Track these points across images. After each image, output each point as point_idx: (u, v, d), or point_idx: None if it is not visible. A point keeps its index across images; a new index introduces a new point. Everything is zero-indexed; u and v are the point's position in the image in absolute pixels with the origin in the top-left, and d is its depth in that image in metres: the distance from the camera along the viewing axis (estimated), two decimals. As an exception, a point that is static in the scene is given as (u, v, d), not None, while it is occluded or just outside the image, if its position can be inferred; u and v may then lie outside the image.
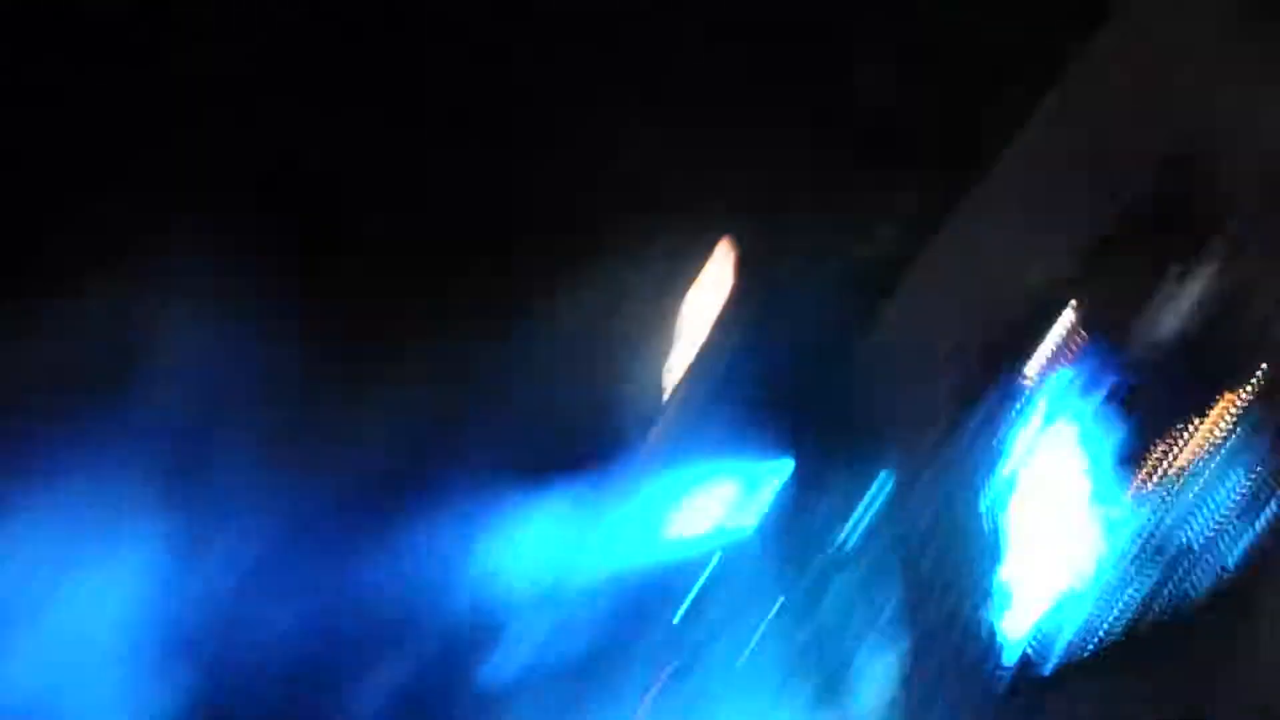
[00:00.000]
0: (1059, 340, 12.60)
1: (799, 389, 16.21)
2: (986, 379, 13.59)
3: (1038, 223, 12.89)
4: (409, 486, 17.29)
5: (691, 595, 19.75)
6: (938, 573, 14.79)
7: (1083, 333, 11.88)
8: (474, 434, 17.04)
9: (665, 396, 19.28)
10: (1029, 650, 13.01)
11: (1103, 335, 11.17)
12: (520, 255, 16.58)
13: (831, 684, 16.44)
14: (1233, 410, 10.16)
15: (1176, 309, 10.56)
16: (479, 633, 18.89)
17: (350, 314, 15.63)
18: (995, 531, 13.67)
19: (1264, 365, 9.92)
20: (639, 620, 18.79)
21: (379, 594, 17.33)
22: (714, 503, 19.81)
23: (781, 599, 17.65)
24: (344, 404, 15.69)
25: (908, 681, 15.46)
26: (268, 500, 15.41)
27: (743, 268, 17.21)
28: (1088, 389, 11.94)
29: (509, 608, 17.87)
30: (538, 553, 18.12)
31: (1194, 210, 10.71)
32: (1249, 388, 10.02)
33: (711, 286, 18.57)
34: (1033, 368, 13.10)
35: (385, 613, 17.28)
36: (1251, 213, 10.00)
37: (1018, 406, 13.32)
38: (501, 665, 19.59)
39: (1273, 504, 9.82)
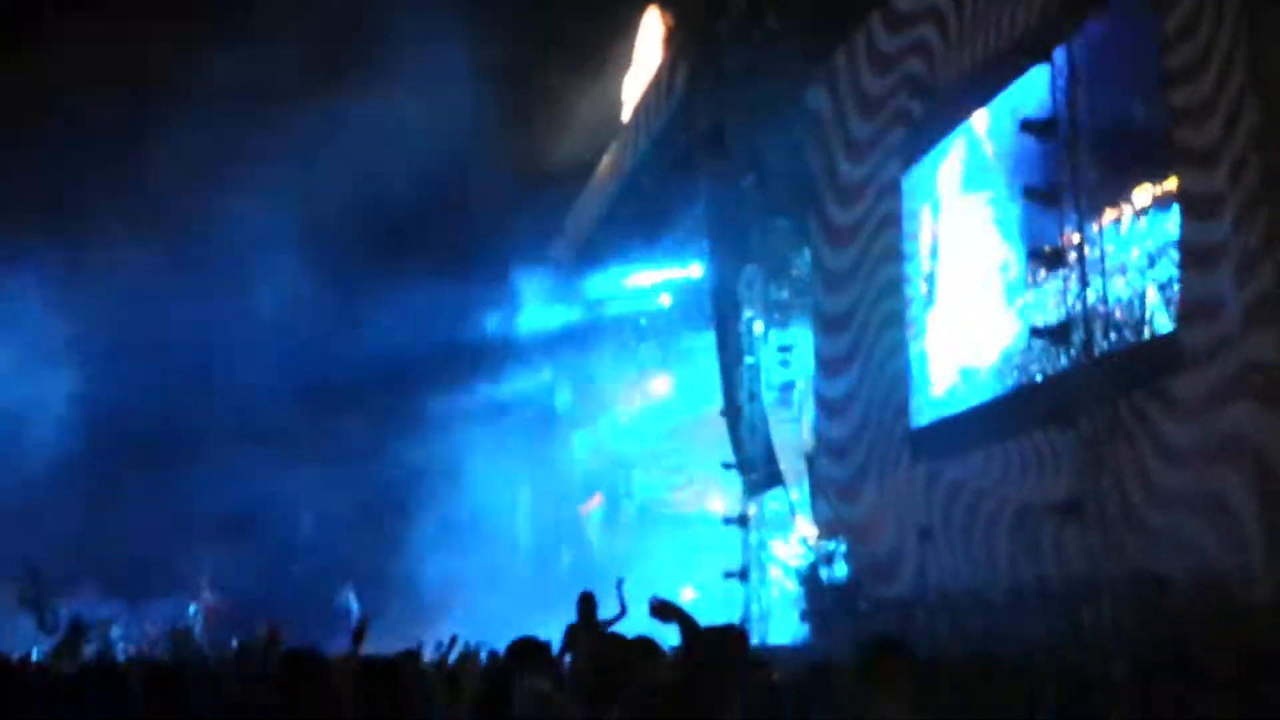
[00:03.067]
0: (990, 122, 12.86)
1: (735, 162, 16.38)
2: (923, 144, 13.85)
3: None
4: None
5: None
6: (855, 331, 15.39)
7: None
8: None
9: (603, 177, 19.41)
10: (933, 407, 13.79)
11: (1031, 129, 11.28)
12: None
13: (752, 429, 17.18)
14: (1138, 201, 10.56)
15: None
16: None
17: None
18: (909, 293, 14.24)
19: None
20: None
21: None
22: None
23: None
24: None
25: (829, 430, 16.19)
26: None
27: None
28: (1011, 174, 12.32)
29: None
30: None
31: None
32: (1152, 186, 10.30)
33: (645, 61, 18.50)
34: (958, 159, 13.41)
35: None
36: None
37: (946, 182, 13.71)
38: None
39: (1171, 295, 10.17)
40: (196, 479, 19.51)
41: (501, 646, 6.89)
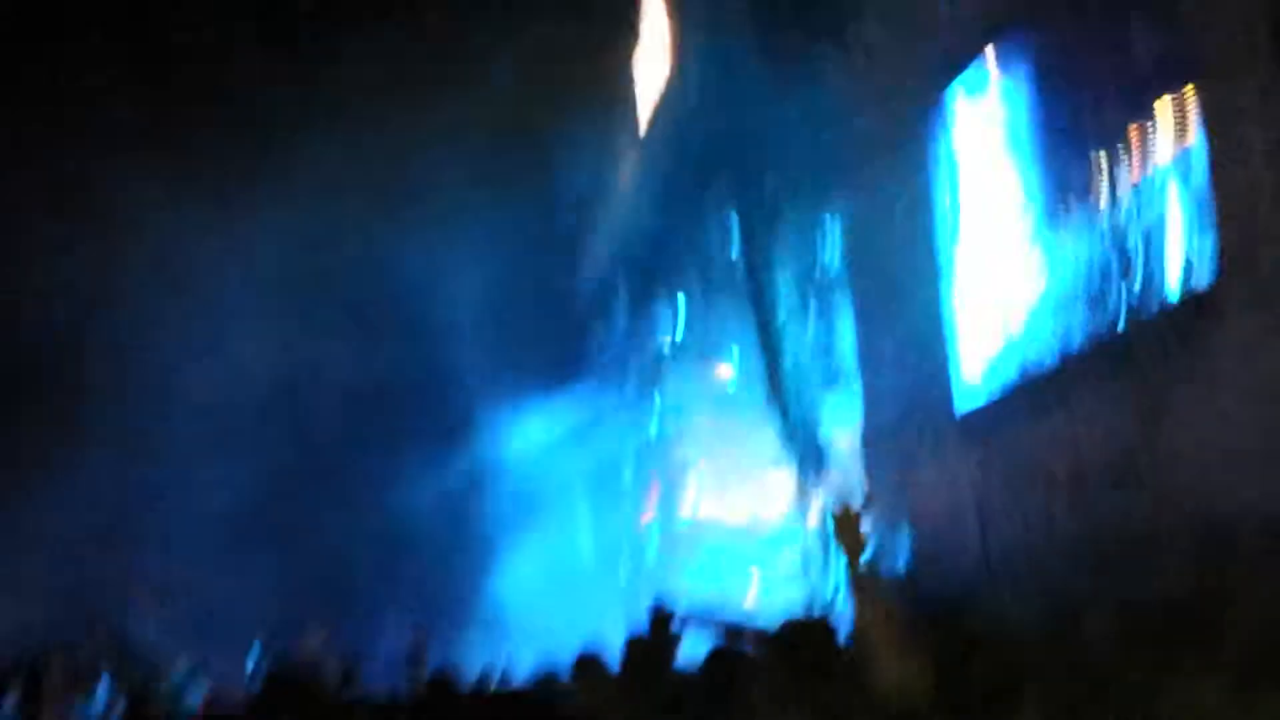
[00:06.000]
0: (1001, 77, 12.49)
1: (752, 132, 16.05)
2: (934, 101, 13.50)
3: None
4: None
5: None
6: (891, 312, 15.01)
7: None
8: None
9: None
10: (976, 386, 13.37)
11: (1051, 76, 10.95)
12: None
13: (801, 421, 16.91)
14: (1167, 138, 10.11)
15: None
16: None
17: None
18: (942, 266, 13.85)
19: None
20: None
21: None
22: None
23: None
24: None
25: (872, 415, 15.87)
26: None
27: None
28: (1027, 124, 11.92)
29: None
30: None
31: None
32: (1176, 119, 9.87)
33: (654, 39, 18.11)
34: (975, 104, 13.04)
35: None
36: None
37: (961, 142, 13.33)
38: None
39: (1208, 238, 9.75)
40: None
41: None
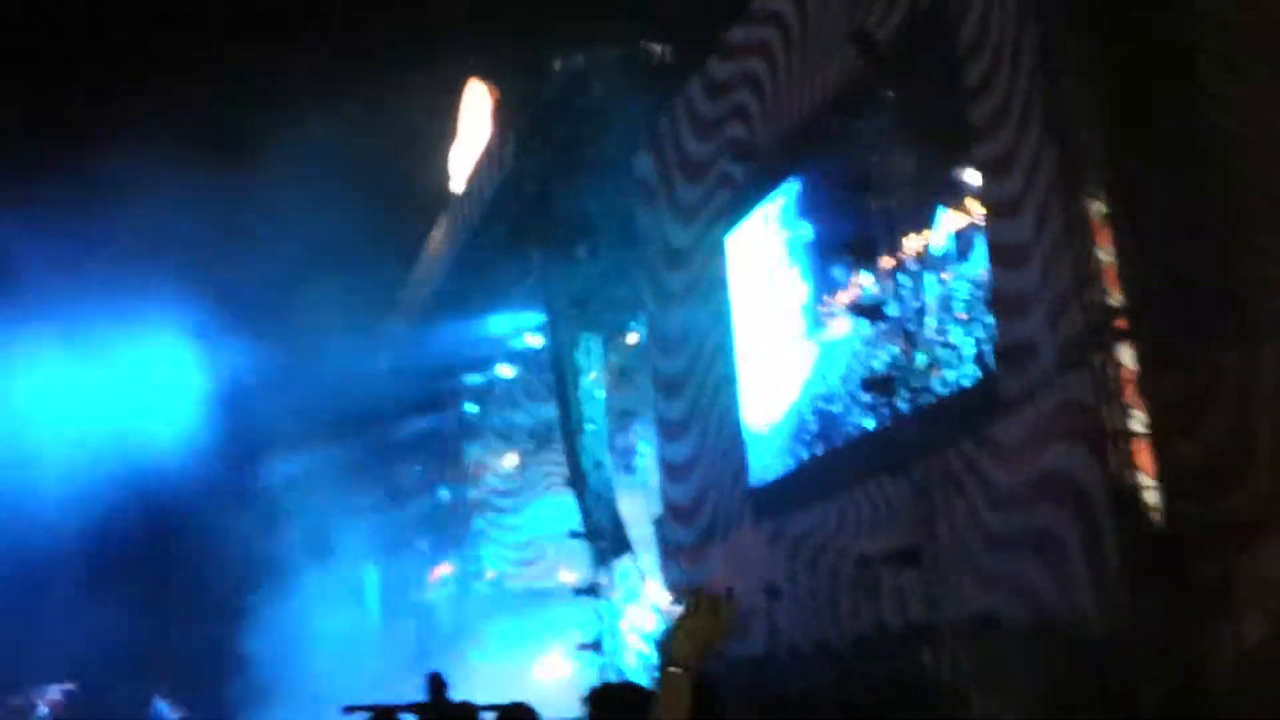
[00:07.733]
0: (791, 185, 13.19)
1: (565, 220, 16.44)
2: (745, 206, 14.14)
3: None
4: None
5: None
6: (696, 397, 15.51)
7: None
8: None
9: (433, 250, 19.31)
10: (771, 469, 13.95)
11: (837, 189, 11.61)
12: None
13: (598, 496, 17.18)
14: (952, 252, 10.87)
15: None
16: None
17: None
18: (734, 358, 14.47)
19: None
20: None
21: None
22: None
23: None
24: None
25: (674, 494, 16.28)
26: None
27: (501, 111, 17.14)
28: (825, 231, 12.62)
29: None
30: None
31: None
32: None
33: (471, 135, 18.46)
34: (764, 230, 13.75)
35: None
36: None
37: (763, 244, 13.99)
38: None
39: (985, 336, 10.46)
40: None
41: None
